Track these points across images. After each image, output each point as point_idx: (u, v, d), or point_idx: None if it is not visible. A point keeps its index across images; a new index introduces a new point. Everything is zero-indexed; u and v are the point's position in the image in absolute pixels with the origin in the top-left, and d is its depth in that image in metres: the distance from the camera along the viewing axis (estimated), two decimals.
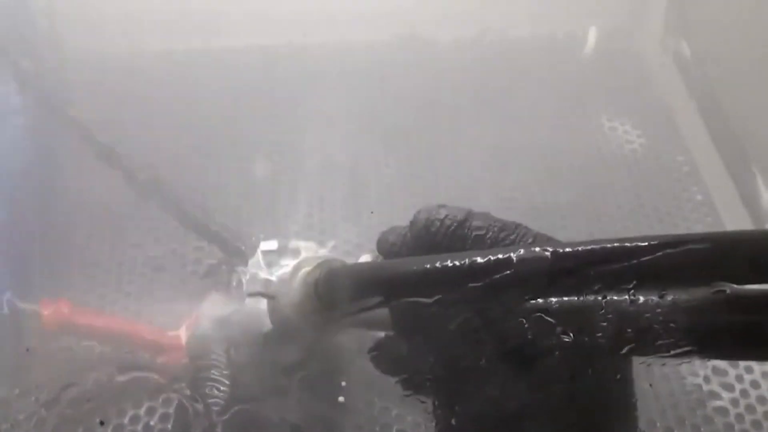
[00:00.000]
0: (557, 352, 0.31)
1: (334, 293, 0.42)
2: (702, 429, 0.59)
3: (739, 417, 0.60)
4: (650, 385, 0.32)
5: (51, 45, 0.76)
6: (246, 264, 0.50)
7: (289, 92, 0.85)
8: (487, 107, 0.83)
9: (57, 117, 0.64)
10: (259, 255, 0.49)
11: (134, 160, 0.62)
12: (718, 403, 0.60)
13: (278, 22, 0.87)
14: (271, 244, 0.50)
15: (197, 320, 0.54)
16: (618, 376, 0.32)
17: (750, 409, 0.60)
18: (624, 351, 0.31)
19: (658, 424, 0.58)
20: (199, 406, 0.50)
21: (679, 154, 0.82)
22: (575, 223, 0.73)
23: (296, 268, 0.46)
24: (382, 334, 0.38)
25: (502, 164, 0.78)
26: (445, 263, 0.33)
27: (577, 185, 0.77)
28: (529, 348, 0.31)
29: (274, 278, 0.47)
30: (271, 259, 0.49)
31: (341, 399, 0.51)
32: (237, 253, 0.56)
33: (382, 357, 0.38)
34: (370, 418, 0.58)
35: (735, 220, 0.75)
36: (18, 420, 0.56)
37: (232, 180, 0.75)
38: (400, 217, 0.38)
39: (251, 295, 0.47)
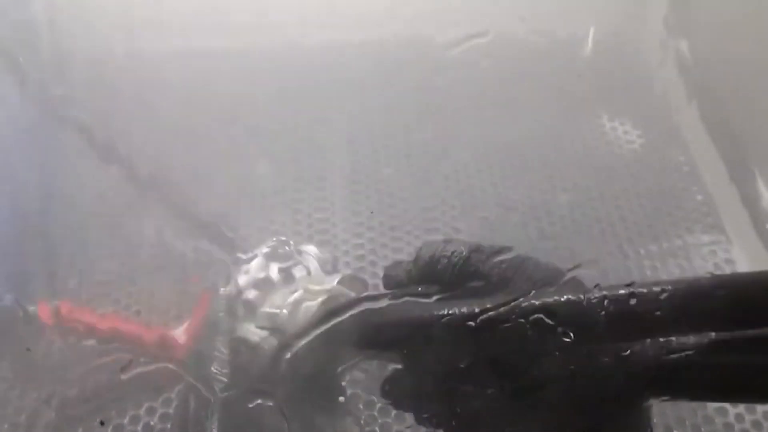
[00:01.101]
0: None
1: (341, 336, 0.42)
2: (702, 429, 0.59)
3: (739, 417, 0.59)
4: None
5: (51, 45, 0.76)
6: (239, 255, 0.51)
7: (288, 92, 0.85)
8: (488, 107, 0.83)
9: (57, 116, 0.64)
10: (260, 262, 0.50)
11: (133, 159, 0.62)
12: (718, 403, 0.60)
13: (278, 23, 0.87)
14: (270, 246, 0.50)
15: (197, 319, 0.54)
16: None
17: (750, 409, 0.60)
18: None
19: (659, 424, 0.58)
20: (200, 404, 0.50)
21: (679, 154, 0.82)
22: (575, 223, 0.73)
23: (298, 302, 0.47)
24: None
25: (502, 164, 0.78)
26: (452, 310, 0.34)
27: (577, 185, 0.77)
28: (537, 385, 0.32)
29: (277, 311, 0.48)
30: (272, 264, 0.50)
31: (341, 399, 0.51)
32: (230, 246, 0.57)
33: (395, 393, 0.38)
34: (370, 418, 0.58)
35: (735, 220, 0.75)
36: (18, 420, 0.57)
37: (231, 179, 0.75)
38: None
39: (262, 329, 0.48)
